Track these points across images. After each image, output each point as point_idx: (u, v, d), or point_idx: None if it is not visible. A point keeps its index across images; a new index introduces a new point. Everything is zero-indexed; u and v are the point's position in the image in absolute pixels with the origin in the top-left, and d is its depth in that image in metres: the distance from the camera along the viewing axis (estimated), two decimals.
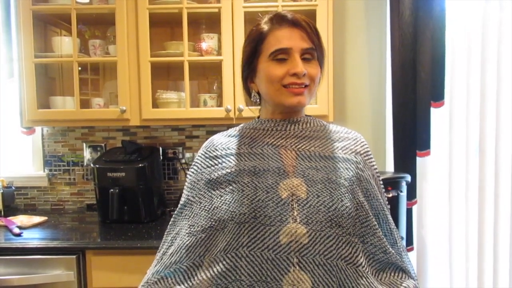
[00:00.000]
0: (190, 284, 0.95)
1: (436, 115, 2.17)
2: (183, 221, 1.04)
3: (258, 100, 1.10)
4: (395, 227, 1.06)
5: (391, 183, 1.96)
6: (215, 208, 0.98)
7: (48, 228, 2.02)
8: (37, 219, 2.11)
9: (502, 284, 2.25)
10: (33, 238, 1.87)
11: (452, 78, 2.19)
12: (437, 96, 2.12)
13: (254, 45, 1.04)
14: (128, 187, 2.04)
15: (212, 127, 2.35)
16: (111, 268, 1.80)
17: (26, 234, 1.92)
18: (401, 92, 2.11)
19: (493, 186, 2.22)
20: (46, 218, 2.15)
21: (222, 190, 1.00)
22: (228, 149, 1.07)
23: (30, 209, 2.39)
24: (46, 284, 1.78)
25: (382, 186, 1.11)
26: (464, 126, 2.22)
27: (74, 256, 1.78)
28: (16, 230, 1.92)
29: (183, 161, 2.39)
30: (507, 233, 2.24)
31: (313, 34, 1.01)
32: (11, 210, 2.31)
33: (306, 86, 1.01)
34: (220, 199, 0.99)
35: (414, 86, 2.10)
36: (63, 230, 2.01)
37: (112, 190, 2.01)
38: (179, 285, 0.96)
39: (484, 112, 2.20)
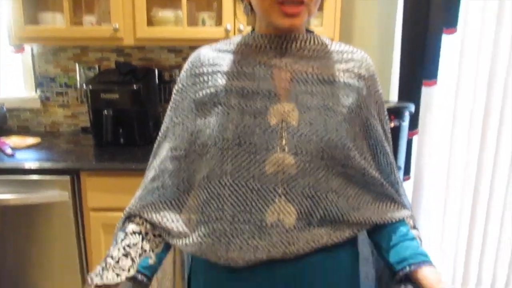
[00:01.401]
0: (179, 211, 0.93)
1: (447, 44, 2.06)
2: (166, 143, 0.97)
3: (249, 12, 0.95)
4: (394, 159, 1.00)
5: (394, 112, 1.91)
6: (199, 131, 0.91)
7: (42, 150, 1.99)
8: (31, 140, 2.07)
9: (495, 212, 2.29)
10: (26, 159, 1.83)
11: (467, 3, 2.05)
12: (450, 22, 2.00)
13: None
14: (123, 109, 1.98)
15: None
16: (106, 189, 1.79)
17: (19, 155, 1.89)
18: (412, 16, 1.98)
19: (497, 120, 2.17)
20: (39, 139, 2.11)
21: (207, 112, 0.91)
22: (216, 65, 0.95)
23: (23, 131, 2.34)
24: (41, 204, 1.77)
25: (386, 113, 1.02)
26: (475, 57, 2.11)
27: (69, 177, 1.76)
28: (9, 151, 1.89)
29: None
30: (506, 166, 2.23)
31: None
32: (3, 131, 2.25)
33: (303, 2, 0.83)
34: (203, 121, 0.91)
35: (427, 10, 1.97)
36: (58, 152, 1.98)
37: (105, 111, 1.95)
38: (167, 210, 0.93)
39: (498, 41, 2.08)
